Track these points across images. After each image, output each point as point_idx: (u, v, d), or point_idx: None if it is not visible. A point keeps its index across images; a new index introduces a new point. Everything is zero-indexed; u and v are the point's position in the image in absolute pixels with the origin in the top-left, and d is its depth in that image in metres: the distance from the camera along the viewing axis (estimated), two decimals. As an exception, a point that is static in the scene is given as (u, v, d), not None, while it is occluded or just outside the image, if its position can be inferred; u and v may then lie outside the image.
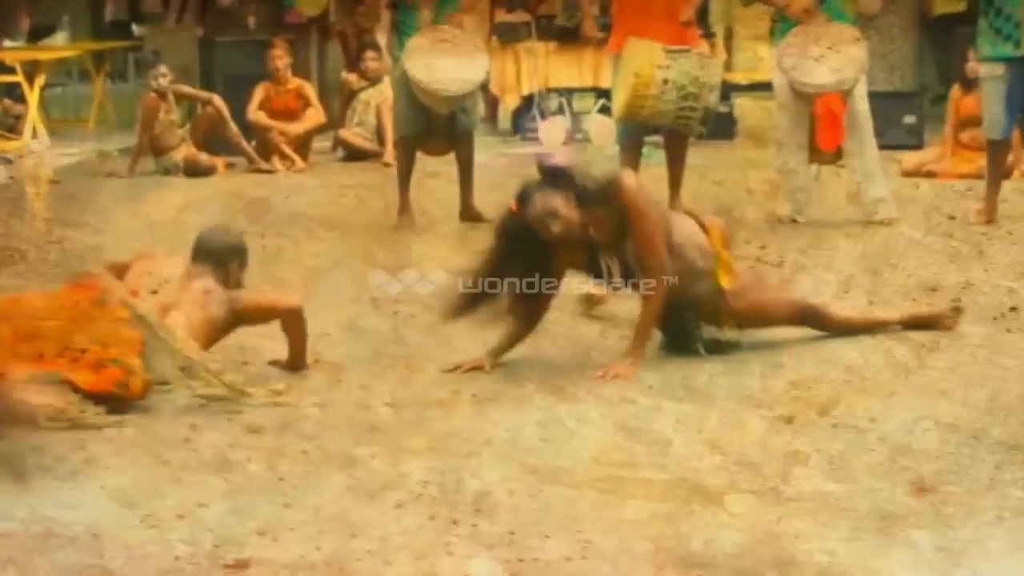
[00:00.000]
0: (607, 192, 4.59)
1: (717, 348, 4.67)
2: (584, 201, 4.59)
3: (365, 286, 5.08)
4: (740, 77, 12.47)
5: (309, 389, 4.17)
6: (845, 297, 5.11)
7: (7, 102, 11.89)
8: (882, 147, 8.77)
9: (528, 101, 12.74)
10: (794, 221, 8.13)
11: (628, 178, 4.72)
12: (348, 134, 11.45)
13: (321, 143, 11.64)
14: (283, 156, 10.85)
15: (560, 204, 4.54)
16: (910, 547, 3.24)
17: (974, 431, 3.91)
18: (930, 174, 10.08)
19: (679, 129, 7.89)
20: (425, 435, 3.87)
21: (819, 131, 7.93)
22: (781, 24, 7.89)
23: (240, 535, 3.26)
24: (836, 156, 8.24)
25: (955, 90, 9.49)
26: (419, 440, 3.83)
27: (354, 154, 11.31)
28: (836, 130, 7.97)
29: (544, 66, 12.63)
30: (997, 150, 8.10)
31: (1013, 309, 4.98)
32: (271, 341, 4.56)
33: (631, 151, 8.16)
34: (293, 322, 4.40)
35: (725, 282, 4.66)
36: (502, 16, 12.30)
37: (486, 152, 10.76)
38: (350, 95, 11.70)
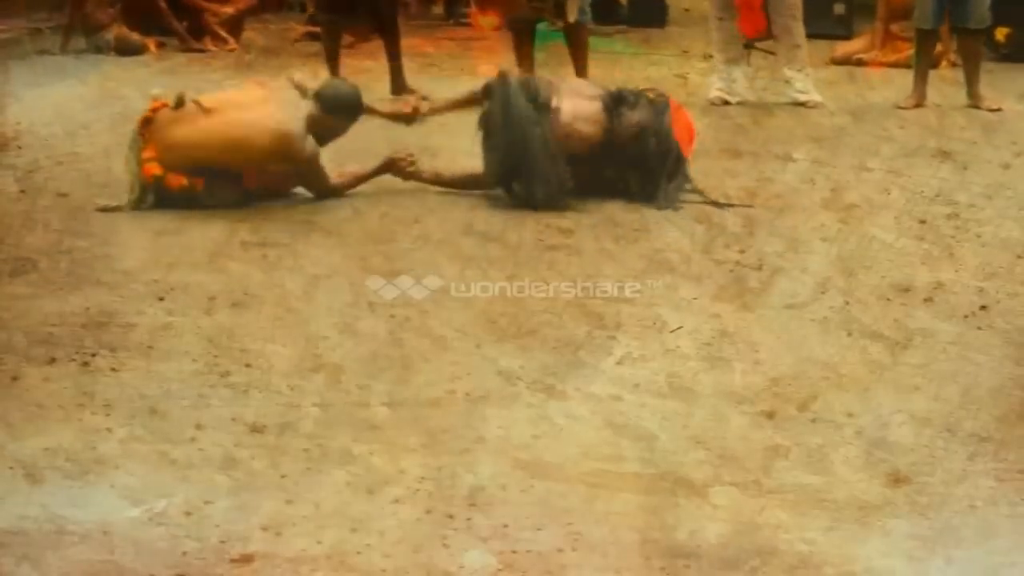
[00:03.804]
0: None
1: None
2: None
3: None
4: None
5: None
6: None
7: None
8: (811, 36, 8.94)
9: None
10: (725, 103, 8.33)
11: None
12: None
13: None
14: (216, 37, 10.72)
15: None
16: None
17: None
18: (859, 63, 10.28)
19: (537, 16, 8.12)
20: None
21: (740, 19, 8.18)
22: None
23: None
24: (766, 39, 8.46)
25: None
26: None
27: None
28: (755, 17, 8.20)
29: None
30: (925, 40, 8.41)
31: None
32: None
33: (521, 37, 8.37)
34: None
35: None
36: None
37: (418, 36, 10.76)
38: None
